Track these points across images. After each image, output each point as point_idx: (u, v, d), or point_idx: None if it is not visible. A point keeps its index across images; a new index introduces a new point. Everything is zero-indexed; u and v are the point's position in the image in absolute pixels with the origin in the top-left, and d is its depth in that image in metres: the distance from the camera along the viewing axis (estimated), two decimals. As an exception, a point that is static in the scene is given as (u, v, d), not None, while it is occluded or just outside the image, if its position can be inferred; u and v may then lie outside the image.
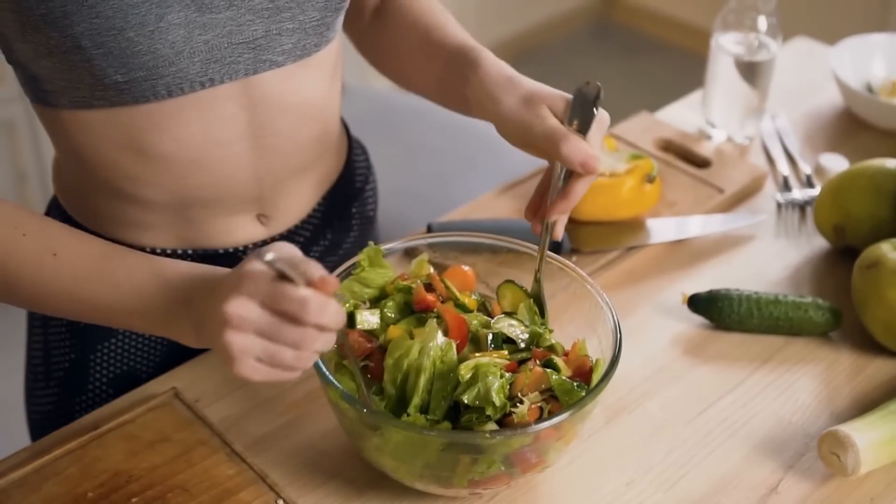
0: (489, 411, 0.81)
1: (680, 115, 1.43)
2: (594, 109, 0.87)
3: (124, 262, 0.84)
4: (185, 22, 0.84)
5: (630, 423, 0.97)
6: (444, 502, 0.88)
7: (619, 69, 3.49)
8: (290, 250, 0.76)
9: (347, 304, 0.91)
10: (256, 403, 0.96)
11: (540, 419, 0.82)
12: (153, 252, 1.00)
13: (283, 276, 0.73)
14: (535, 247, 0.94)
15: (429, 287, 0.91)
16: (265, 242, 1.05)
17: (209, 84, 0.89)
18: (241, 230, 1.03)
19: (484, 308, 0.94)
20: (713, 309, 1.06)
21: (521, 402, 0.82)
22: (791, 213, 1.25)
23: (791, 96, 1.47)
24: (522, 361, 0.87)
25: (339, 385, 0.81)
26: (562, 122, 0.89)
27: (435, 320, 0.87)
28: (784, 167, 1.32)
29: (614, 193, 1.18)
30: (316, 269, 0.72)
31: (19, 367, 1.16)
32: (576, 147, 0.86)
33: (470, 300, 0.92)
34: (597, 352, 0.90)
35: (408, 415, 0.82)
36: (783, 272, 1.16)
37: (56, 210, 1.05)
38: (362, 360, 0.87)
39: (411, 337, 0.86)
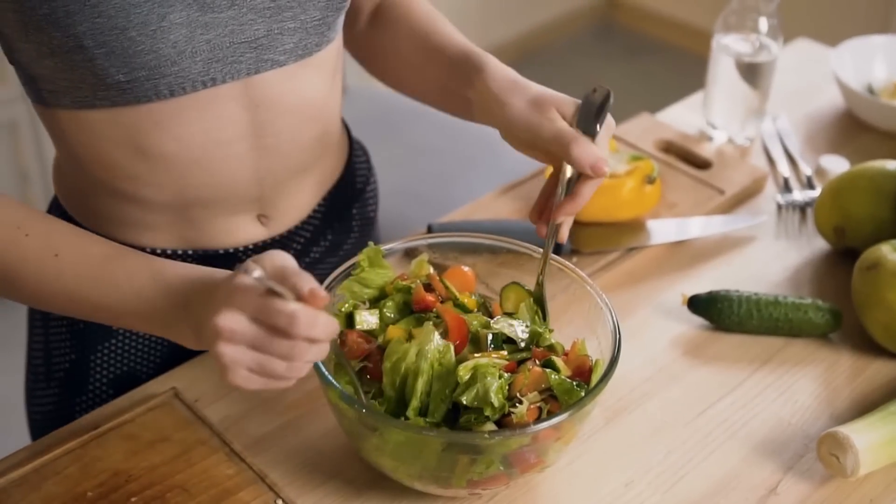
0: (488, 412, 0.81)
1: (681, 117, 1.43)
2: (604, 114, 0.88)
3: (125, 263, 0.84)
4: (186, 21, 0.85)
5: (629, 423, 0.97)
6: (444, 502, 0.88)
7: (621, 70, 3.49)
8: (284, 260, 0.76)
9: (347, 305, 0.91)
10: (256, 403, 0.96)
11: (539, 419, 0.82)
12: (153, 252, 1.00)
13: (273, 291, 0.73)
14: (536, 248, 0.94)
15: (428, 287, 0.91)
16: (265, 243, 1.05)
17: (211, 84, 0.89)
18: (241, 230, 1.03)
19: (484, 308, 0.94)
20: (713, 310, 1.06)
21: (521, 402, 0.82)
22: (791, 214, 1.25)
23: (792, 98, 1.47)
24: (522, 361, 0.87)
25: (338, 385, 0.81)
26: (570, 126, 0.89)
27: (431, 322, 0.87)
28: (785, 168, 1.32)
29: (615, 194, 1.18)
30: (306, 282, 0.72)
31: (20, 366, 1.16)
32: (586, 149, 0.87)
33: (470, 300, 0.92)
34: (596, 353, 0.90)
35: (406, 418, 0.82)
36: (783, 273, 1.16)
37: (57, 210, 1.05)
38: (361, 360, 0.87)
39: (411, 337, 0.86)
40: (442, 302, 0.91)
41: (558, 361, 0.87)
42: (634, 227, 1.19)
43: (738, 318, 1.05)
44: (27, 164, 2.28)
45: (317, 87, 0.98)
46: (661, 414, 0.98)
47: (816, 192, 1.27)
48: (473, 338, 0.89)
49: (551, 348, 0.90)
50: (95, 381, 1.05)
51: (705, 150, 1.33)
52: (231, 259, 1.03)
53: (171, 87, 0.88)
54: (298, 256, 1.08)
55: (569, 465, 0.92)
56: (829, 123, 1.43)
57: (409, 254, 0.99)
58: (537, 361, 0.87)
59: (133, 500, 0.86)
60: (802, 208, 1.26)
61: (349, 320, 0.90)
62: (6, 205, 0.86)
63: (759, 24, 1.31)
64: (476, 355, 0.86)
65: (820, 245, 1.20)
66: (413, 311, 0.90)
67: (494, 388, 0.82)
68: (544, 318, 0.93)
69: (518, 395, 0.83)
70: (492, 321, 0.90)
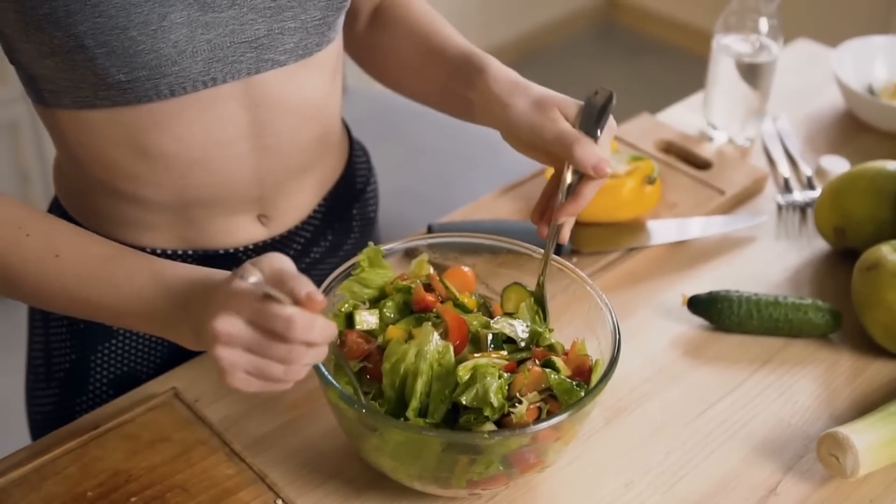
0: (487, 412, 0.81)
1: (681, 117, 1.43)
2: (607, 116, 0.88)
3: (125, 264, 0.84)
4: (187, 21, 0.85)
5: (629, 424, 0.97)
6: (444, 502, 0.88)
7: (622, 71, 3.49)
8: (281, 263, 0.76)
9: (347, 305, 0.91)
10: (256, 403, 0.96)
11: (538, 420, 0.82)
12: (153, 252, 1.00)
13: (269, 296, 0.73)
14: (536, 248, 0.94)
15: (428, 287, 0.91)
16: (266, 243, 1.05)
17: (211, 83, 0.89)
18: (241, 230, 1.03)
19: (484, 308, 0.94)
20: (713, 310, 1.06)
21: (520, 402, 0.82)
22: (791, 214, 1.25)
23: (792, 98, 1.47)
24: (522, 361, 0.87)
25: (338, 386, 0.81)
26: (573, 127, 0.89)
27: (431, 323, 0.87)
28: (785, 169, 1.32)
29: (615, 195, 1.18)
30: (303, 286, 0.72)
31: (20, 366, 1.16)
32: (589, 150, 0.87)
33: (470, 300, 0.92)
34: (596, 353, 0.90)
35: (406, 418, 0.82)
36: (783, 274, 1.16)
37: (57, 210, 1.05)
38: (361, 360, 0.87)
39: (410, 337, 0.86)
40: (442, 302, 0.91)
41: (558, 361, 0.87)
42: (634, 228, 1.19)
43: (738, 318, 1.05)
44: (28, 164, 2.28)
45: (317, 87, 0.98)
46: (660, 414, 0.98)
47: (816, 193, 1.27)
48: (473, 338, 0.89)
49: (551, 348, 0.90)
50: (95, 382, 1.05)
51: (705, 151, 1.33)
52: (231, 259, 1.03)
53: (172, 86, 0.88)
54: (298, 257, 1.08)
55: (569, 465, 0.92)
56: (830, 124, 1.43)
57: (409, 254, 0.99)
58: (537, 361, 0.87)
59: (133, 500, 0.86)
60: (802, 209, 1.26)
61: (349, 320, 0.90)
62: (7, 204, 0.86)
63: (760, 24, 1.31)
64: (476, 355, 0.86)
65: (820, 245, 1.20)
66: (413, 311, 0.90)
67: (494, 389, 0.82)
68: (545, 318, 0.93)
69: (518, 395, 0.83)
70: (492, 321, 0.90)
